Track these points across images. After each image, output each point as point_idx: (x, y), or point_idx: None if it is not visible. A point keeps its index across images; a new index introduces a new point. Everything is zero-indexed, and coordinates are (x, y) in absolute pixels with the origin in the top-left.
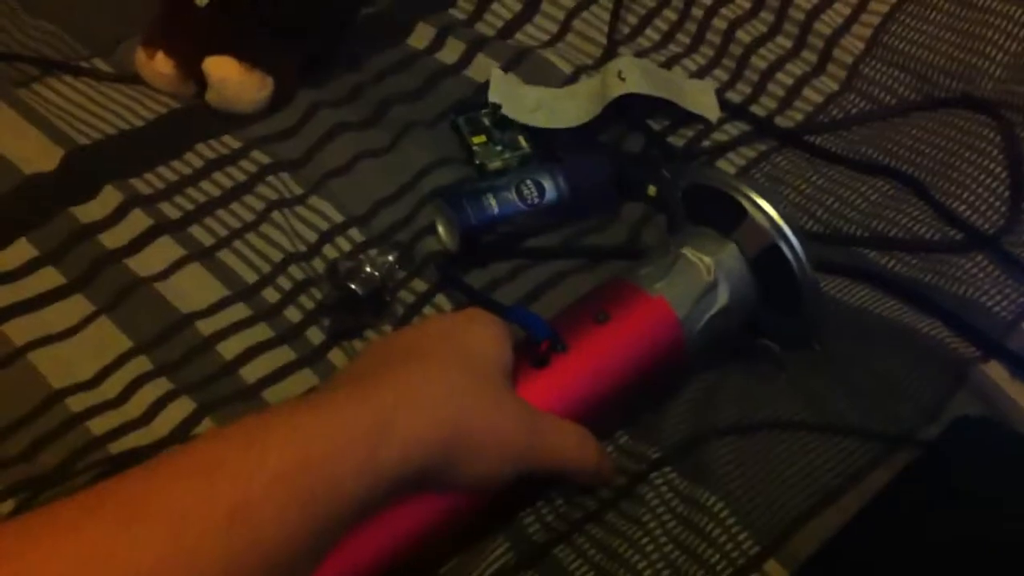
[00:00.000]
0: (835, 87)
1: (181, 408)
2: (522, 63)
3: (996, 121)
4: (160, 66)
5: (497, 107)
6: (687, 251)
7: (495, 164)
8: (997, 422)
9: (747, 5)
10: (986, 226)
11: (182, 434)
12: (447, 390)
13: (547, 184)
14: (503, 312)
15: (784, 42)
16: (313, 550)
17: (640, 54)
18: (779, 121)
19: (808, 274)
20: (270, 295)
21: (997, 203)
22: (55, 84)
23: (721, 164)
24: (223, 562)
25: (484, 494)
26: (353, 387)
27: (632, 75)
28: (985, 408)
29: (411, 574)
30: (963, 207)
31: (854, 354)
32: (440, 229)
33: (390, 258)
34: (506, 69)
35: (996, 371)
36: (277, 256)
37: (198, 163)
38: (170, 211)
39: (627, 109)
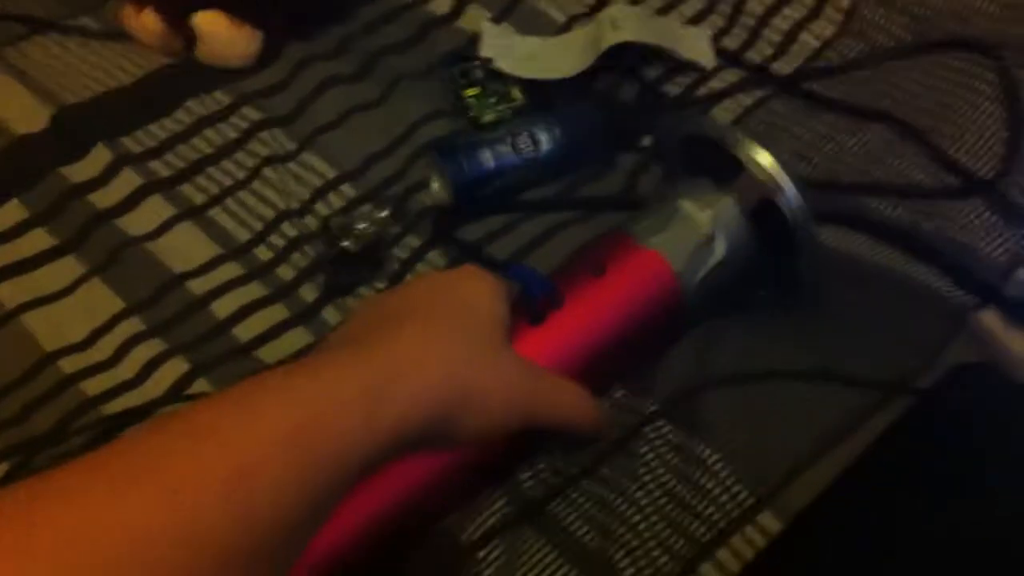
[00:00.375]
0: (832, 31)
1: (174, 368)
2: (514, 12)
3: (993, 62)
4: (148, 22)
5: (489, 60)
6: (684, 203)
7: (489, 116)
8: (993, 370)
9: None
10: (983, 171)
11: (176, 394)
12: (444, 349)
13: (542, 136)
14: (499, 267)
15: None
16: (313, 513)
17: (634, 1)
18: (775, 67)
19: (805, 225)
20: (263, 253)
21: (995, 147)
22: (43, 43)
23: (717, 112)
24: (221, 529)
25: (481, 451)
26: (349, 348)
27: (626, 23)
28: (981, 355)
29: (410, 530)
30: (960, 152)
31: (850, 302)
32: (434, 183)
33: (384, 213)
34: (498, 19)
35: (992, 319)
36: (270, 213)
37: (188, 120)
38: (161, 169)
39: (621, 58)
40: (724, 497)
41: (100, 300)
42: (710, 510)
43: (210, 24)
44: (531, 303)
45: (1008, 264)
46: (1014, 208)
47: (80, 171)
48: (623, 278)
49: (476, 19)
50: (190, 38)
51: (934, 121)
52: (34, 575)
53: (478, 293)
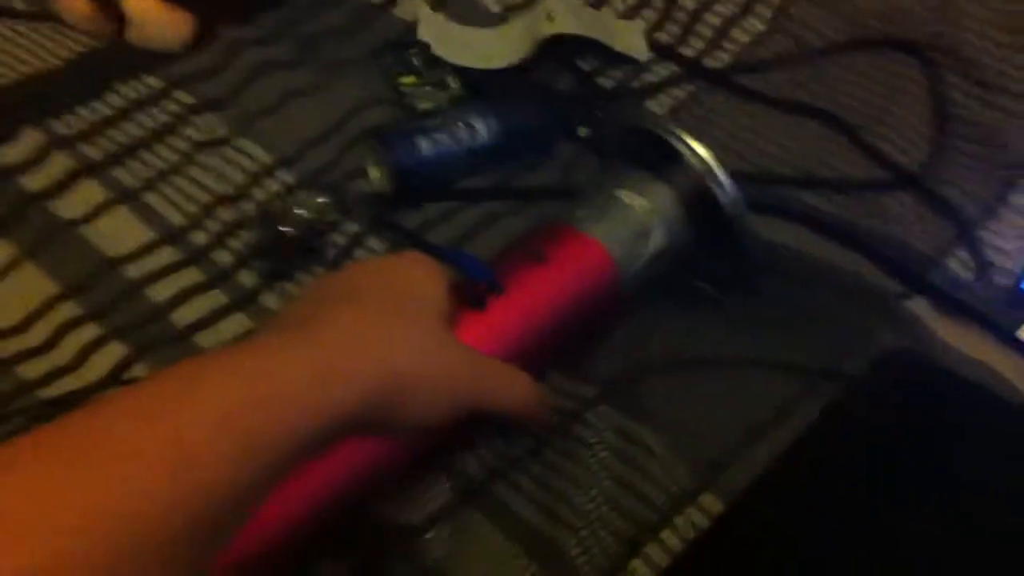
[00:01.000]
0: (763, 28)
1: (112, 353)
2: (450, 2)
3: (921, 62)
4: (77, 4)
5: (426, 46)
6: (622, 193)
7: (425, 104)
8: (921, 355)
9: None
10: (911, 165)
11: (114, 379)
12: (385, 332)
13: (479, 126)
14: (440, 254)
15: None
16: (254, 491)
17: None
18: (707, 62)
19: (740, 216)
20: (199, 238)
21: (922, 143)
22: None
23: (650, 105)
24: (167, 503)
25: (424, 434)
26: (292, 330)
27: (561, 15)
28: (909, 342)
29: (353, 511)
30: (889, 146)
31: (784, 291)
32: (372, 170)
33: (321, 200)
34: (434, 8)
35: (920, 307)
36: (205, 198)
37: (120, 103)
38: (93, 152)
39: (557, 49)
40: (667, 480)
41: (34, 284)
42: (654, 492)
43: (141, 6)
44: (472, 289)
45: (935, 254)
46: (940, 200)
47: (9, 153)
48: (564, 265)
49: (413, 8)
50: (121, 20)
51: (863, 117)
52: None
53: (420, 279)
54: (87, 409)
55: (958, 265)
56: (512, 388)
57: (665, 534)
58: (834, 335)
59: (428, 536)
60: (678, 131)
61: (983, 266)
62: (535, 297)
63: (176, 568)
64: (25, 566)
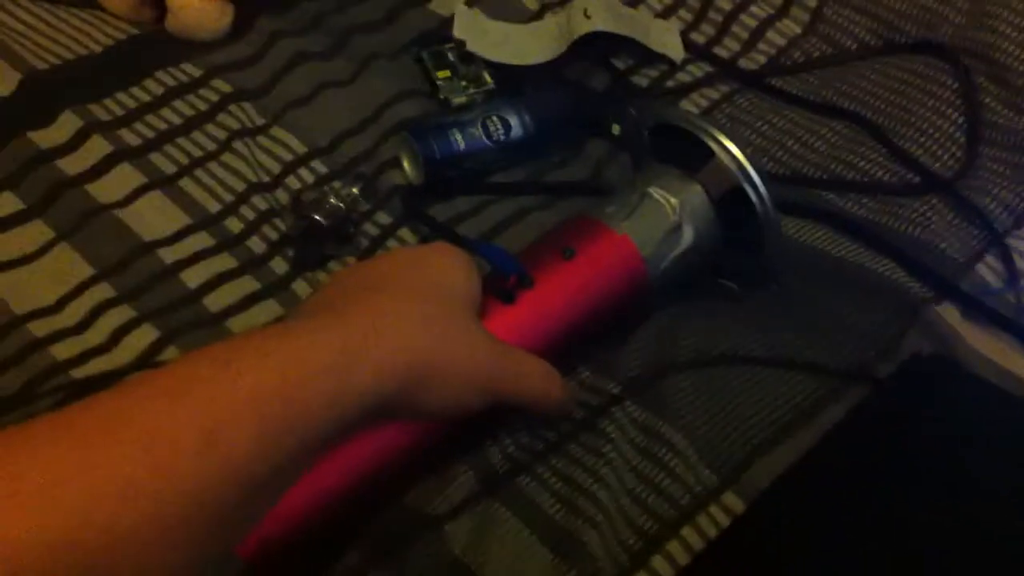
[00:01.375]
0: (798, 30)
1: (144, 335)
2: None
3: (954, 67)
4: None
5: (462, 41)
6: (653, 190)
7: (459, 99)
8: (949, 360)
9: None
10: (942, 170)
11: (145, 361)
12: (416, 319)
13: (513, 121)
14: (471, 246)
15: None
16: (282, 473)
17: None
18: (742, 63)
19: (770, 215)
20: (233, 225)
21: (953, 148)
22: (12, 8)
23: (684, 105)
24: (195, 482)
25: (449, 422)
26: (323, 315)
27: (598, 13)
28: (937, 347)
29: (376, 499)
30: (920, 151)
31: (811, 293)
32: (405, 162)
33: (354, 190)
34: (470, 3)
35: (948, 312)
36: (240, 186)
37: (158, 90)
38: (130, 138)
39: (591, 47)
40: (689, 476)
41: (69, 265)
42: (675, 488)
43: None
44: (502, 282)
45: (964, 260)
46: (970, 207)
47: (48, 136)
48: (593, 261)
49: (449, 2)
50: (161, 8)
51: (895, 121)
52: (11, 525)
53: (451, 269)
54: (117, 389)
55: (987, 272)
56: (538, 380)
57: (686, 531)
58: (861, 338)
59: (449, 526)
60: (711, 128)
61: (1013, 273)
62: (563, 292)
63: (203, 546)
64: (46, 540)
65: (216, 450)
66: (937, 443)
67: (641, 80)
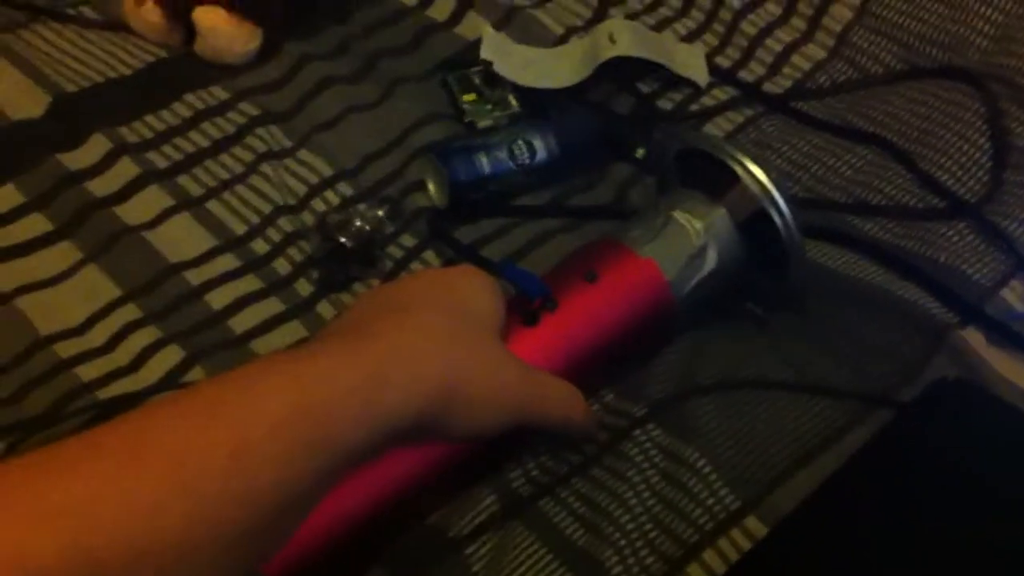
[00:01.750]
0: (823, 55)
1: (170, 356)
2: (512, 22)
3: (980, 92)
4: (149, 14)
5: (488, 64)
6: (677, 214)
7: (485, 122)
8: (974, 385)
9: None
10: (967, 195)
11: (171, 382)
12: (442, 341)
13: (538, 144)
14: (495, 268)
15: (774, 9)
16: (308, 495)
17: (631, 16)
18: (767, 87)
19: (795, 240)
20: (259, 247)
21: (979, 173)
22: (42, 30)
23: (708, 128)
24: (221, 503)
25: (474, 445)
26: (349, 337)
27: (623, 37)
28: (962, 372)
29: (399, 522)
30: (945, 176)
31: (836, 317)
32: (430, 185)
33: (379, 212)
34: (496, 27)
35: (974, 337)
36: (266, 208)
37: (186, 113)
38: (158, 160)
39: (616, 71)
40: (711, 500)
41: (96, 286)
42: (697, 512)
43: (210, 19)
44: (526, 304)
45: (990, 284)
46: (996, 231)
47: (77, 158)
48: (617, 284)
49: (474, 26)
50: (190, 32)
51: (921, 145)
52: (41, 542)
53: (476, 291)
54: (143, 410)
55: (1013, 297)
56: (562, 403)
57: (708, 555)
58: (885, 362)
59: (471, 549)
60: (736, 152)
61: None
62: (587, 314)
63: (228, 567)
64: (74, 559)
65: (242, 472)
66: (962, 468)
67: (666, 104)
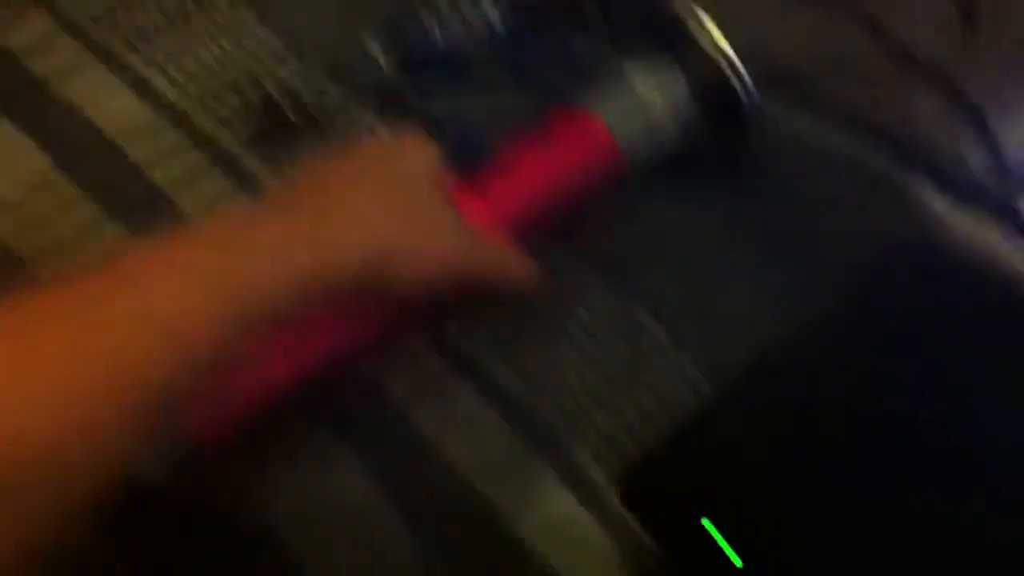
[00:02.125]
0: None
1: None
2: None
3: None
4: None
5: None
6: (634, 78)
7: None
8: (935, 245)
9: None
10: (936, 60)
11: None
12: (379, 207)
13: (492, 14)
14: (442, 132)
15: None
16: (226, 347)
17: None
18: None
19: (753, 105)
20: (205, 121)
21: (947, 39)
22: None
23: None
24: (161, 373)
25: (417, 303)
26: (289, 201)
27: None
28: (924, 233)
29: (343, 376)
30: (914, 40)
31: (796, 181)
32: (382, 58)
33: (329, 86)
34: None
35: (934, 198)
36: (214, 83)
37: None
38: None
39: None
40: (669, 368)
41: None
42: (656, 378)
43: None
44: (472, 166)
45: (954, 148)
46: (961, 96)
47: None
48: (568, 147)
49: None
50: None
51: (887, 8)
52: None
53: (418, 157)
54: (84, 277)
55: (976, 161)
56: (506, 261)
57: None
58: (846, 225)
59: (412, 405)
60: (697, 13)
61: (1001, 162)
62: (537, 176)
63: (155, 428)
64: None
65: (180, 340)
66: (922, 326)
67: None
